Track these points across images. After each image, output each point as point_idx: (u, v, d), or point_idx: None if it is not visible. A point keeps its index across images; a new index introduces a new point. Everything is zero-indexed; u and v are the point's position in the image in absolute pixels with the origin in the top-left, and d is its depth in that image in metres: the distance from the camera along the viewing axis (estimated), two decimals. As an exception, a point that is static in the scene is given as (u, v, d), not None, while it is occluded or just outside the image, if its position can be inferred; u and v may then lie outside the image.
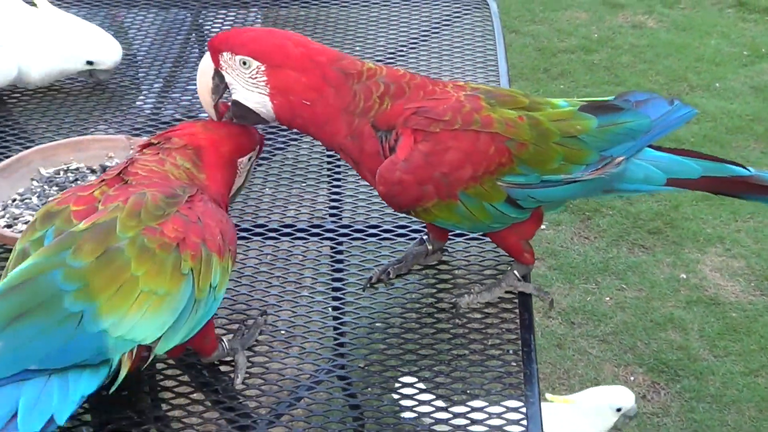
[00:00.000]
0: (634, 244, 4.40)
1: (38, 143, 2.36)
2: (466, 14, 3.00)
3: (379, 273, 1.96)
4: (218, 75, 1.73)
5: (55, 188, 2.14)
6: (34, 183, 2.16)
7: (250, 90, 1.70)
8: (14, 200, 2.11)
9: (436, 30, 2.93)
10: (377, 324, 1.88)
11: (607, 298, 4.11)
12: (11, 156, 2.21)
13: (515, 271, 1.94)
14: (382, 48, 2.84)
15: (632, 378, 3.74)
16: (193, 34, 3.02)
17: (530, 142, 1.72)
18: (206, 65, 1.74)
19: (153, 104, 2.63)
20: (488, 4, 3.01)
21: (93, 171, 2.19)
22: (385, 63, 2.73)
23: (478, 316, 1.90)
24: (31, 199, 2.10)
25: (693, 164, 1.86)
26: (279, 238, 2.12)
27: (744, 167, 1.88)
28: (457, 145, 1.69)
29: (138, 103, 2.64)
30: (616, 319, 3.98)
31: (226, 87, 1.74)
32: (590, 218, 4.46)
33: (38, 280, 1.47)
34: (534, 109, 1.76)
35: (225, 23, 3.01)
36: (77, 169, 2.20)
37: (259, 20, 3.05)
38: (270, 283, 1.99)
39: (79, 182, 2.15)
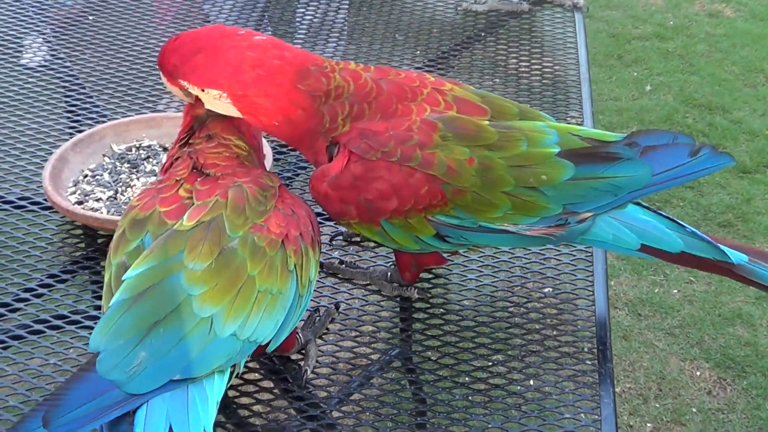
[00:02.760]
0: (705, 237, 4.30)
1: (110, 119, 2.35)
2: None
3: (332, 263, 1.94)
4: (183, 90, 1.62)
5: (126, 165, 2.12)
6: (106, 159, 2.14)
7: (220, 106, 1.60)
8: (86, 176, 2.09)
9: (515, 15, 2.87)
10: (451, 316, 1.84)
11: (675, 291, 4.02)
12: (83, 131, 2.19)
13: (390, 273, 1.88)
14: (460, 30, 2.79)
15: (698, 373, 3.67)
16: (267, 14, 2.99)
17: (470, 189, 1.59)
18: (168, 84, 1.63)
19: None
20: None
21: (165, 149, 2.16)
22: (463, 47, 2.70)
23: (553, 311, 1.85)
24: (102, 175, 2.08)
25: (675, 236, 1.68)
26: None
27: (735, 252, 1.70)
28: (388, 176, 1.59)
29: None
30: (683, 312, 3.90)
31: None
32: (660, 209, 4.36)
33: (164, 284, 1.42)
34: (499, 148, 1.60)
35: (300, 1, 2.97)
36: (149, 146, 2.18)
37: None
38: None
39: (150, 159, 2.13)
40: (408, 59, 2.67)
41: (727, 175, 4.61)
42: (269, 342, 1.52)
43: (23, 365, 1.72)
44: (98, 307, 1.83)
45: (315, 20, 2.87)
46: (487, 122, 1.63)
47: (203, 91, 1.57)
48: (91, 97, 2.49)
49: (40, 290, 1.89)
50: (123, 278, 1.45)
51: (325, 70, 1.60)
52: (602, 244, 1.71)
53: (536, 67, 2.64)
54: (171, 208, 1.52)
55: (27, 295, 1.87)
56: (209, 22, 2.93)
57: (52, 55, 2.72)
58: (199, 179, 1.57)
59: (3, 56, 2.72)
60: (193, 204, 1.52)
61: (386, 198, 1.60)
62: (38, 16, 2.91)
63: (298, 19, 2.92)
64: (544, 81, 2.59)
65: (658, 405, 3.47)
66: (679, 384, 3.56)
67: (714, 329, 3.85)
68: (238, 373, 1.52)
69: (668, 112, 5.04)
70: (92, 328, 1.76)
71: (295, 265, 1.53)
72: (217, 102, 1.58)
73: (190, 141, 1.65)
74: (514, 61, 2.66)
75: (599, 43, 5.77)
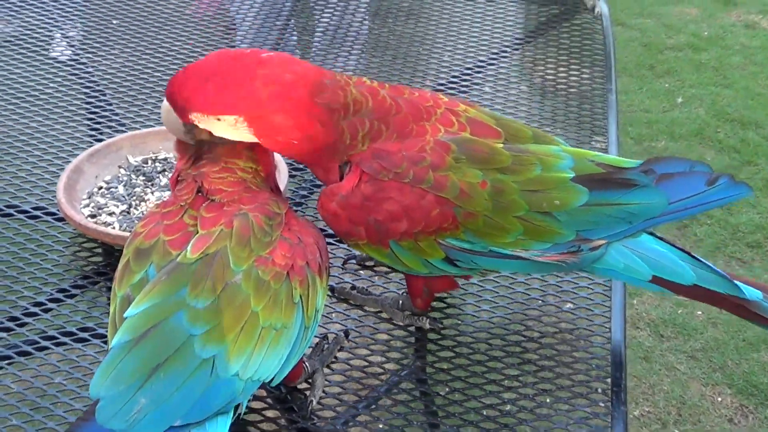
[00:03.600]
0: (732, 257, 4.25)
1: (128, 129, 2.33)
2: (576, 12, 2.89)
3: (343, 288, 1.92)
4: (189, 124, 1.55)
5: (141, 177, 2.10)
6: (122, 171, 2.12)
7: (235, 133, 1.53)
8: (100, 188, 2.07)
9: (543, 29, 2.83)
10: (462, 349, 1.80)
11: (699, 313, 3.97)
12: (101, 140, 2.17)
13: (401, 300, 1.85)
14: (486, 44, 2.75)
15: (719, 399, 3.62)
16: (292, 20, 2.96)
17: (482, 213, 1.56)
18: (171, 117, 1.54)
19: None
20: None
21: (181, 162, 2.14)
22: (488, 62, 2.67)
23: (567, 348, 1.81)
24: (117, 188, 2.06)
25: (688, 269, 1.64)
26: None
27: (750, 288, 1.67)
28: (399, 198, 1.55)
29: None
30: (706, 335, 3.85)
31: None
32: (687, 226, 4.33)
33: (165, 325, 1.39)
34: (513, 171, 1.57)
35: (325, 10, 2.94)
36: (165, 159, 2.16)
37: (362, 11, 2.97)
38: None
39: (166, 173, 2.10)
40: (432, 74, 2.63)
41: (758, 192, 4.55)
42: (274, 377, 1.50)
43: (28, 383, 1.71)
44: (102, 323, 1.81)
45: (339, 30, 2.83)
46: (500, 145, 1.61)
47: (218, 119, 1.50)
48: (110, 104, 2.47)
49: (50, 305, 1.87)
50: (125, 315, 1.42)
51: (340, 83, 1.55)
52: (613, 273, 1.67)
53: (562, 78, 2.60)
54: (175, 237, 1.49)
55: (36, 309, 1.86)
56: (234, 27, 2.90)
57: (74, 60, 2.70)
58: (204, 205, 1.53)
59: (35, 48, 2.71)
60: (198, 233, 1.48)
61: (396, 219, 1.57)
62: (62, 18, 2.89)
63: (321, 28, 2.89)
64: (570, 92, 2.55)
65: (677, 431, 3.42)
66: (699, 410, 3.52)
67: (738, 354, 3.80)
68: (241, 413, 1.49)
69: (699, 125, 4.97)
70: (98, 345, 1.77)
71: (300, 296, 1.50)
72: (233, 129, 1.52)
73: (194, 161, 1.60)
74: (541, 70, 2.63)
75: (631, 53, 5.71)
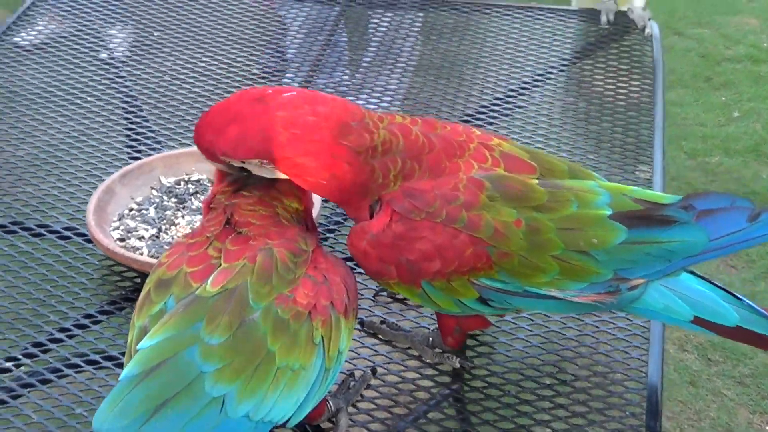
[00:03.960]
0: (785, 278, 4.16)
1: (164, 147, 2.31)
2: (626, 32, 2.82)
3: (373, 322, 1.88)
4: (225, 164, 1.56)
5: (174, 199, 2.07)
6: (154, 192, 2.09)
7: (268, 172, 1.53)
8: (131, 209, 2.05)
9: (591, 49, 2.77)
10: (492, 391, 1.75)
11: (749, 335, 3.89)
12: (137, 157, 2.16)
13: (431, 338, 1.80)
14: (532, 63, 2.70)
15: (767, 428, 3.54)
16: (339, 25, 2.92)
17: (517, 253, 1.51)
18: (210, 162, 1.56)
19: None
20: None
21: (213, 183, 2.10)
22: (545, 78, 2.61)
23: (601, 393, 1.75)
24: (148, 210, 2.04)
25: (731, 309, 1.59)
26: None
27: None
28: (431, 237, 1.51)
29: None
30: (756, 360, 3.76)
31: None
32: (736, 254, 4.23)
33: (176, 360, 1.36)
34: (549, 209, 1.52)
35: (378, 28, 2.90)
36: (198, 180, 2.13)
37: (418, 23, 2.92)
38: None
39: (198, 195, 2.07)
40: (475, 95, 2.58)
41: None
42: (289, 418, 1.46)
43: (48, 413, 1.69)
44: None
45: (382, 47, 2.79)
46: (535, 181, 1.56)
47: (243, 162, 1.51)
48: (147, 120, 2.45)
49: (75, 330, 1.85)
50: (138, 347, 1.39)
51: (367, 126, 1.52)
52: (652, 314, 1.62)
53: (609, 101, 2.56)
54: (197, 269, 1.46)
55: (61, 335, 1.84)
56: (285, 29, 2.87)
57: (117, 68, 2.68)
58: (230, 237, 1.50)
59: (83, 50, 2.72)
60: (221, 266, 1.45)
61: (429, 259, 1.54)
62: (111, 22, 2.87)
63: (371, 32, 2.85)
64: (616, 117, 2.49)
65: (721, 459, 3.35)
66: (745, 438, 3.43)
67: (787, 381, 3.71)
68: None
69: (756, 142, 4.86)
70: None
71: (322, 337, 1.46)
72: (263, 168, 1.52)
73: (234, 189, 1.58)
74: (586, 93, 2.59)
75: (687, 63, 5.60)
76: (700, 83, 5.42)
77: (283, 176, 1.52)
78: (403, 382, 1.77)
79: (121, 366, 1.73)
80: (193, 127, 2.29)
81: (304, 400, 1.45)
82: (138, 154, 2.29)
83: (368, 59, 2.78)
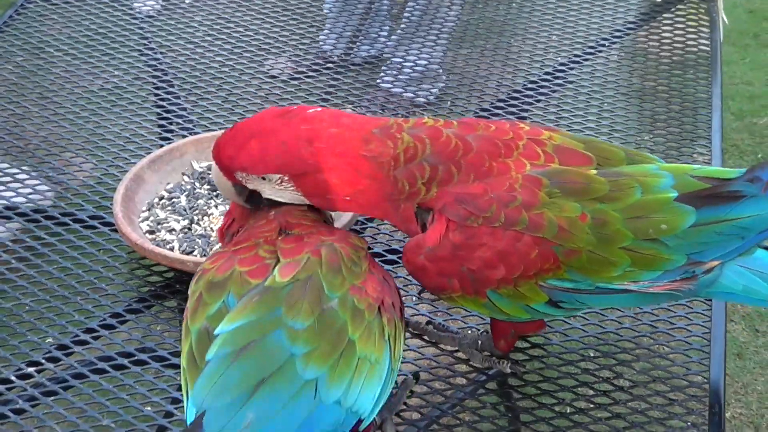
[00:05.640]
0: None
1: (196, 127, 2.21)
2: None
3: (418, 323, 1.78)
4: (237, 185, 1.51)
5: (206, 186, 1.97)
6: (185, 178, 1.99)
7: (283, 192, 1.49)
8: (161, 198, 1.94)
9: (643, 19, 2.63)
10: (545, 398, 1.64)
11: (798, 306, 3.77)
12: (168, 140, 2.07)
13: (480, 341, 1.71)
14: (582, 37, 2.57)
15: (817, 403, 3.44)
16: (372, 6, 2.80)
17: (585, 249, 1.43)
18: (221, 177, 1.51)
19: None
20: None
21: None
22: (596, 51, 2.48)
23: (661, 401, 1.64)
24: (179, 198, 1.93)
25: None
26: (383, 266, 1.89)
27: None
28: (492, 243, 1.44)
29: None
30: (806, 332, 3.66)
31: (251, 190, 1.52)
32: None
33: (265, 341, 1.31)
34: (612, 199, 1.44)
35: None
36: (231, 165, 2.01)
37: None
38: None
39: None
40: (524, 68, 2.45)
41: None
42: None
43: (72, 424, 1.59)
44: (155, 356, 1.69)
45: (425, 16, 2.66)
46: (594, 171, 1.47)
47: (263, 179, 1.46)
48: (179, 98, 2.34)
49: (101, 331, 1.75)
50: (216, 332, 1.33)
51: (390, 131, 1.47)
52: (732, 297, 1.52)
53: (663, 76, 2.44)
54: (253, 268, 1.40)
55: (86, 336, 1.74)
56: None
57: (144, 45, 2.57)
58: (280, 238, 1.45)
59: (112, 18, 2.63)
60: (279, 261, 1.40)
61: (492, 267, 1.45)
62: None
63: (406, 14, 2.72)
64: (671, 93, 2.36)
65: (770, 438, 3.24)
66: (796, 415, 3.32)
67: (839, 353, 3.60)
68: None
69: (806, 102, 4.71)
70: (150, 382, 1.64)
71: (388, 335, 1.41)
72: (280, 189, 1.48)
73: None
74: (640, 67, 2.47)
75: (734, 19, 5.40)
76: (748, 40, 5.24)
77: (299, 199, 1.50)
78: (450, 388, 1.67)
79: (150, 369, 1.68)
80: (225, 108, 2.22)
81: (379, 395, 1.40)
82: (168, 135, 2.20)
83: (411, 28, 2.66)
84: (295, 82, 2.45)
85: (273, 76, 2.48)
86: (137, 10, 2.68)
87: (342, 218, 1.79)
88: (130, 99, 2.36)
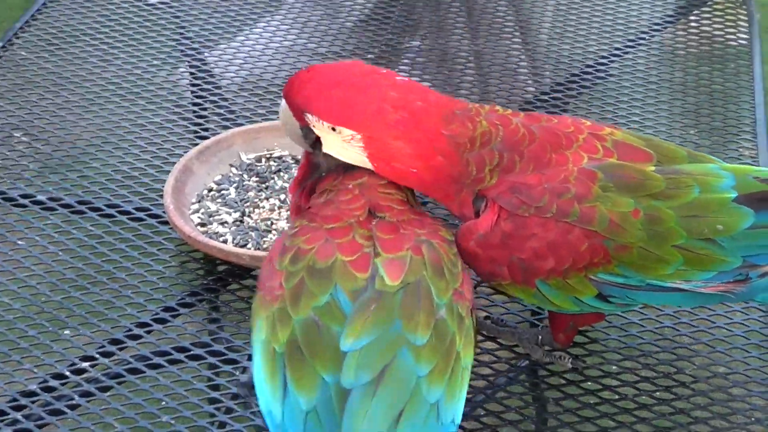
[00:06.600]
0: None
1: (238, 118, 2.19)
2: None
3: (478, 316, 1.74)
4: (305, 127, 1.50)
5: (255, 178, 1.94)
6: (233, 170, 1.97)
7: (346, 149, 1.47)
8: (210, 190, 1.92)
9: (682, 12, 2.62)
10: (607, 393, 1.63)
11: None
12: (208, 131, 2.05)
13: (540, 336, 1.69)
14: (621, 31, 2.55)
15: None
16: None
17: (636, 245, 1.42)
18: (288, 118, 1.50)
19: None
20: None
21: (297, 161, 1.98)
22: (637, 44, 2.46)
23: (723, 396, 1.63)
24: (228, 190, 1.91)
25: None
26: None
27: None
28: (543, 234, 1.43)
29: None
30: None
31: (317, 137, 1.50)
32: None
33: (397, 364, 1.28)
34: (668, 197, 1.43)
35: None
36: (280, 157, 2.00)
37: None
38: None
39: (281, 173, 1.96)
40: (566, 62, 2.43)
41: None
42: None
43: (131, 420, 1.56)
44: (211, 350, 1.67)
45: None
46: (652, 168, 1.47)
47: (334, 129, 1.44)
48: (219, 87, 2.31)
49: (154, 326, 1.73)
50: (344, 349, 1.29)
51: (470, 113, 1.48)
52: None
53: (705, 71, 2.41)
54: (354, 258, 1.37)
55: (140, 330, 1.72)
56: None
57: (181, 33, 2.54)
58: (374, 223, 1.43)
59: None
60: (380, 255, 1.37)
61: (542, 257, 1.45)
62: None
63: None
64: (713, 89, 2.35)
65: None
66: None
67: None
68: None
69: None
70: (206, 377, 1.62)
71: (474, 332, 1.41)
72: (344, 145, 1.46)
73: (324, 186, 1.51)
74: (681, 60, 2.45)
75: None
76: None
77: (359, 160, 1.47)
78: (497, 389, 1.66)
79: (207, 365, 1.64)
80: (264, 102, 2.19)
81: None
82: (210, 125, 2.17)
83: (437, 19, 2.64)
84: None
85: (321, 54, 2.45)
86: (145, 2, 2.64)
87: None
88: (170, 89, 2.34)
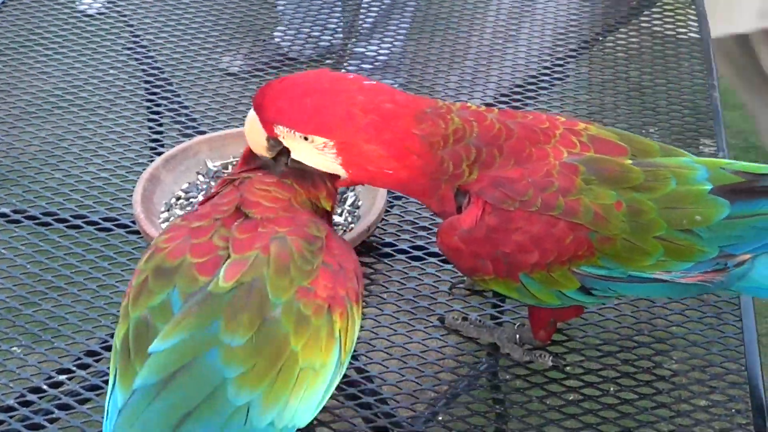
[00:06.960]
0: None
1: (200, 125, 2.17)
2: None
3: (454, 319, 1.77)
4: (273, 139, 1.48)
5: (222, 185, 1.92)
6: (200, 177, 1.94)
7: (319, 157, 1.46)
8: (178, 198, 1.90)
9: (633, 13, 2.65)
10: (591, 390, 1.64)
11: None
12: (165, 135, 2.03)
13: (519, 335, 1.71)
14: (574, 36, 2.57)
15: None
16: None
17: (620, 237, 1.44)
18: (255, 128, 1.47)
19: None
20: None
21: (261, 167, 1.96)
22: (590, 46, 2.48)
23: (704, 389, 1.65)
24: (197, 198, 1.89)
25: None
26: (409, 262, 1.88)
27: None
28: (527, 227, 1.45)
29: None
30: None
31: (284, 147, 1.48)
32: None
33: (196, 365, 1.25)
34: (648, 189, 1.46)
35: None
36: (246, 164, 1.98)
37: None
38: (396, 318, 1.76)
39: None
40: (512, 71, 2.45)
41: None
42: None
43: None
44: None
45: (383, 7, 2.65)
46: (630, 161, 1.50)
47: (306, 138, 1.44)
48: (178, 95, 2.29)
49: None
50: (150, 350, 1.26)
51: (441, 111, 1.49)
52: (762, 291, 1.55)
53: (659, 71, 2.43)
54: (203, 261, 1.33)
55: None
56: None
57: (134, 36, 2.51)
58: (237, 223, 1.38)
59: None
60: (230, 257, 1.33)
61: (526, 251, 1.46)
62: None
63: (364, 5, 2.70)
64: (669, 87, 2.37)
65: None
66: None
67: None
68: None
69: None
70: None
71: (339, 330, 1.36)
72: (316, 153, 1.45)
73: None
74: (636, 61, 2.46)
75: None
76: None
77: (332, 167, 1.47)
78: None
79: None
80: (225, 109, 2.17)
81: (321, 399, 1.35)
82: (172, 132, 2.15)
83: (369, 22, 2.64)
84: (255, 80, 2.41)
85: (232, 74, 2.44)
86: (84, 12, 2.60)
87: (376, 204, 1.81)
88: (128, 96, 2.32)
